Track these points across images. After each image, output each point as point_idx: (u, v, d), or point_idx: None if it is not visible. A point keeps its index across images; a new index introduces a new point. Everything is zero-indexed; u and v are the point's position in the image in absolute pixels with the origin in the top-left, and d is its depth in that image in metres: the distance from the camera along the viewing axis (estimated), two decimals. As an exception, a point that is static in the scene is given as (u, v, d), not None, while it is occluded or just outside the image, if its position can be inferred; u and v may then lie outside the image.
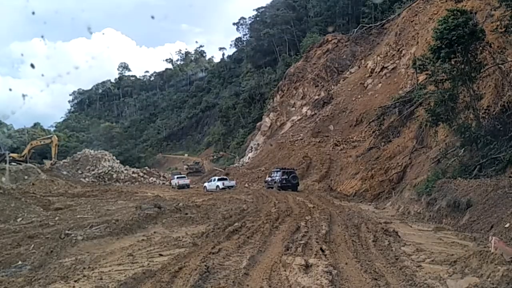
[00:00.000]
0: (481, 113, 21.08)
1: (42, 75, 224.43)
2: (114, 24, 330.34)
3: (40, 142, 64.38)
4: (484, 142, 19.57)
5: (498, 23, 20.38)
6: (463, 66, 20.31)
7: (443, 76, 21.36)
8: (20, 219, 22.89)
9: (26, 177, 48.14)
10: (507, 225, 12.35)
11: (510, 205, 13.71)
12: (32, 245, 14.62)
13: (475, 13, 25.25)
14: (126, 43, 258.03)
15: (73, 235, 15.13)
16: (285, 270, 9.32)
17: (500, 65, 21.02)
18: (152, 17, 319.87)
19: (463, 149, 21.28)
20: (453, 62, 20.46)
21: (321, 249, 11.15)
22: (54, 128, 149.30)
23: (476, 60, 20.41)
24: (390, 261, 10.23)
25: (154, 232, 16.34)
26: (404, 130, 34.34)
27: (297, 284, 8.43)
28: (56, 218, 22.26)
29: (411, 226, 17.43)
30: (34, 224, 20.42)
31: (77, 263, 11.45)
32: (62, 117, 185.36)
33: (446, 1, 37.08)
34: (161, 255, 11.63)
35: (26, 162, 55.95)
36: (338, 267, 9.56)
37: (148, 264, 10.46)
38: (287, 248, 11.45)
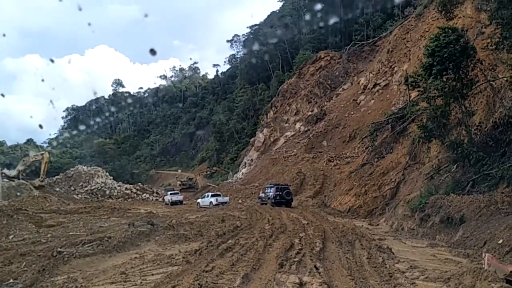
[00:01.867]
0: (473, 130, 21.26)
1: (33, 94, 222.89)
2: (107, 41, 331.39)
3: (32, 158, 63.92)
4: (476, 158, 19.71)
5: (489, 40, 20.62)
6: (454, 83, 20.53)
7: (435, 93, 21.53)
8: (12, 236, 22.67)
9: (18, 193, 47.84)
10: (500, 241, 12.40)
11: (503, 221, 13.79)
12: (24, 263, 14.47)
13: (466, 30, 25.62)
14: (120, 60, 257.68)
15: (65, 252, 15.00)
16: (279, 288, 9.28)
17: (491, 82, 21.24)
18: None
19: (456, 165, 21.41)
20: (444, 79, 20.67)
21: (315, 266, 11.12)
22: (47, 145, 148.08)
23: (468, 77, 20.66)
24: (384, 278, 10.22)
25: (147, 250, 16.25)
26: (397, 146, 34.47)
27: (291, 302, 8.40)
28: (48, 235, 22.09)
29: (405, 243, 17.44)
30: (26, 241, 20.26)
31: (69, 282, 11.35)
32: (55, 133, 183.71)
33: (438, 18, 37.54)
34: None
35: (19, 179, 55.56)
36: (332, 285, 9.54)
37: (141, 282, 10.39)
38: (281, 265, 11.41)
